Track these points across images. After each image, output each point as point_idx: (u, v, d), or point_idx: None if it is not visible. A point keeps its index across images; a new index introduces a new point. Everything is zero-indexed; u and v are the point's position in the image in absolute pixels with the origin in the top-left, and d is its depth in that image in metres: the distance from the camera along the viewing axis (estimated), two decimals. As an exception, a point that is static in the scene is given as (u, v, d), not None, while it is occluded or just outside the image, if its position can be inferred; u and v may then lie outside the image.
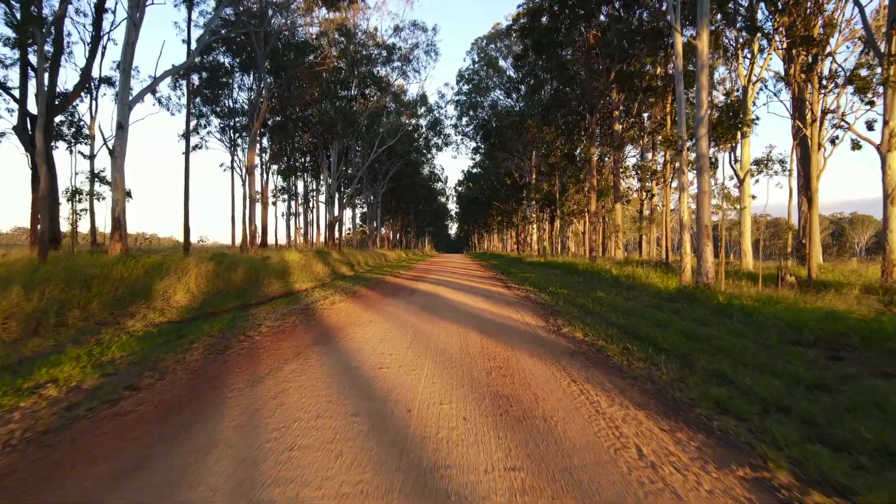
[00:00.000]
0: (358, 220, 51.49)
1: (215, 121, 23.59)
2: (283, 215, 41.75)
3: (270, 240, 31.24)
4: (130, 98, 11.03)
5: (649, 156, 24.38)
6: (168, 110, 20.30)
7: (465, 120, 37.94)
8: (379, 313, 6.99)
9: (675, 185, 21.06)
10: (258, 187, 25.13)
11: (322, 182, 30.09)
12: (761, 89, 12.99)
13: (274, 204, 32.35)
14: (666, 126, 14.54)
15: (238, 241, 23.13)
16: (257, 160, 27.89)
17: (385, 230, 54.36)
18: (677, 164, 17.16)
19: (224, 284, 11.08)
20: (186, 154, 13.65)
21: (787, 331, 4.94)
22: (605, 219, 24.32)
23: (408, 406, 2.91)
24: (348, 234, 48.25)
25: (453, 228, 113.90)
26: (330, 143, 26.21)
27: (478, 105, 35.70)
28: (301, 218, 35.92)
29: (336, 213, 29.25)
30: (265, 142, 27.03)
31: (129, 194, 13.89)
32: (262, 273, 13.01)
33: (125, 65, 10.71)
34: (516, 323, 6.17)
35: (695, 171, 10.52)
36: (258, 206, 25.26)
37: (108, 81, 16.62)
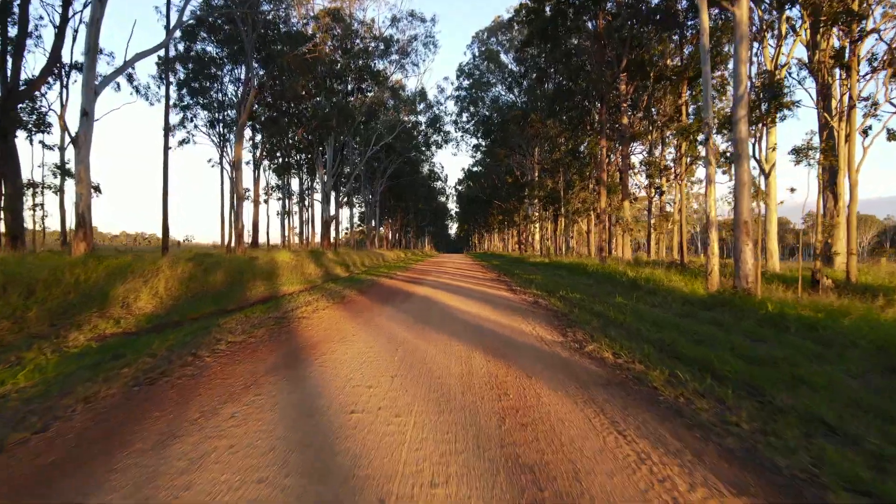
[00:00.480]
0: (356, 220, 50.44)
1: (203, 114, 22.53)
2: (277, 214, 40.74)
3: (263, 239, 30.22)
4: (97, 82, 10.02)
5: (657, 152, 23.38)
6: (147, 100, 19.26)
7: (465, 116, 36.94)
8: (366, 324, 5.98)
9: (685, 180, 20.00)
10: (247, 184, 24.14)
11: (317, 180, 29.08)
12: (787, 75, 11.97)
13: (266, 202, 31.32)
14: (681, 116, 13.52)
15: (229, 240, 22.08)
16: (249, 156, 26.89)
17: (384, 230, 53.38)
18: (691, 156, 16.16)
19: (201, 288, 10.09)
20: (165, 147, 12.63)
21: (876, 353, 3.93)
22: (611, 217, 23.32)
23: (381, 491, 1.89)
24: (346, 234, 47.20)
25: (453, 228, 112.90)
26: (325, 139, 25.17)
27: (478, 100, 34.66)
28: (296, 217, 34.91)
29: (332, 211, 28.23)
30: (258, 137, 26.00)
31: (97, 189, 12.91)
32: (245, 275, 12.03)
33: (90, 45, 9.70)
34: (528, 338, 5.16)
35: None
36: (248, 204, 24.25)
37: (79, 68, 15.56)
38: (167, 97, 12.65)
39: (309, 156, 29.10)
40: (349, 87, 26.99)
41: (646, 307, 7.10)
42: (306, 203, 34.12)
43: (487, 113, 34.35)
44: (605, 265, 13.54)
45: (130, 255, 11.34)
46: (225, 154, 22.84)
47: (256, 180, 22.58)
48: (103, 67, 17.10)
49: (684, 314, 6.33)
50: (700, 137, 13.34)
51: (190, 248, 23.94)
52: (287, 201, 32.62)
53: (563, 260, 20.08)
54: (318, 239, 29.81)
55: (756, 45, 12.61)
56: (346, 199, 42.55)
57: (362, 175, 38.01)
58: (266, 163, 28.77)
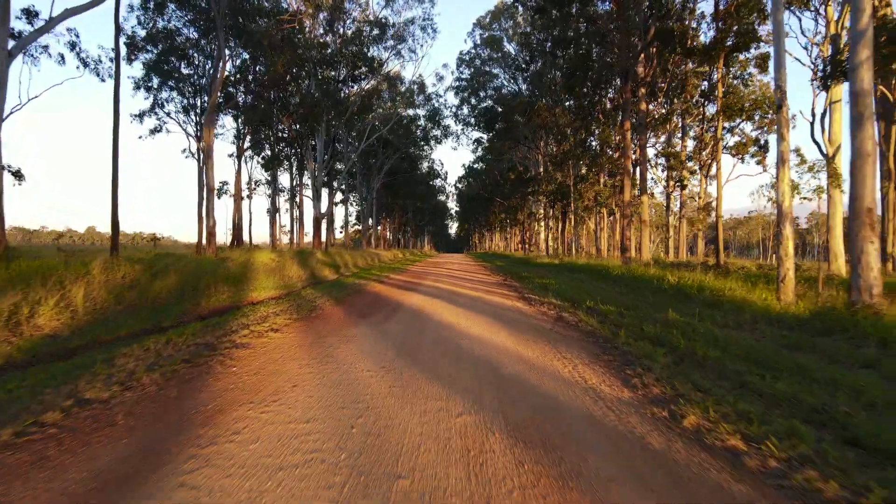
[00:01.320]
0: (352, 219, 48.45)
1: (177, 99, 20.52)
2: (267, 212, 38.74)
3: (248, 238, 28.26)
4: (11, 45, 8.10)
5: (677, 143, 21.43)
6: (98, 75, 17.07)
7: (465, 109, 34.89)
8: (323, 361, 4.04)
9: (718, 169, 18.03)
10: (229, 177, 22.14)
11: (307, 175, 27.13)
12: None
13: (249, 197, 29.32)
14: (717, 95, 11.58)
15: (200, 239, 20.11)
16: (232, 147, 24.92)
17: (381, 229, 51.45)
18: (725, 144, 14.10)
19: (140, 297, 8.14)
20: (115, 128, 10.71)
21: None
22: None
23: None
24: (343, 233, 45.24)
25: (453, 227, 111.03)
26: (315, 130, 23.22)
27: (480, 89, 32.60)
28: (287, 214, 32.90)
29: (323, 209, 26.26)
30: (242, 127, 24.03)
31: (16, 174, 10.94)
32: (205, 280, 10.09)
33: (-1, -6, 7.76)
34: (573, 390, 3.21)
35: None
36: (229, 200, 22.31)
37: (18, 36, 13.48)
38: (117, 65, 10.71)
39: (299, 149, 27.15)
40: (341, 75, 25.02)
41: (714, 328, 5.16)
42: (297, 200, 32.12)
43: (490, 103, 32.33)
44: (632, 268, 11.60)
45: (63, 255, 9.44)
46: (201, 143, 20.89)
47: (238, 173, 20.64)
48: (57, 47, 15.11)
49: (786, 343, 4.39)
50: (778, 101, 11.29)
51: (164, 247, 22.02)
52: (276, 198, 30.63)
53: (575, 261, 18.12)
54: (309, 238, 27.86)
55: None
56: (342, 198, 40.61)
57: (358, 171, 36.01)
58: (250, 153, 26.76)
